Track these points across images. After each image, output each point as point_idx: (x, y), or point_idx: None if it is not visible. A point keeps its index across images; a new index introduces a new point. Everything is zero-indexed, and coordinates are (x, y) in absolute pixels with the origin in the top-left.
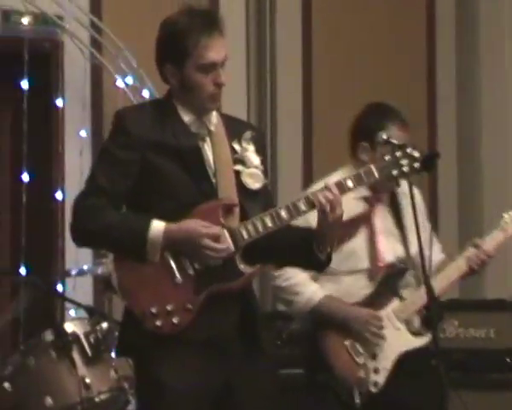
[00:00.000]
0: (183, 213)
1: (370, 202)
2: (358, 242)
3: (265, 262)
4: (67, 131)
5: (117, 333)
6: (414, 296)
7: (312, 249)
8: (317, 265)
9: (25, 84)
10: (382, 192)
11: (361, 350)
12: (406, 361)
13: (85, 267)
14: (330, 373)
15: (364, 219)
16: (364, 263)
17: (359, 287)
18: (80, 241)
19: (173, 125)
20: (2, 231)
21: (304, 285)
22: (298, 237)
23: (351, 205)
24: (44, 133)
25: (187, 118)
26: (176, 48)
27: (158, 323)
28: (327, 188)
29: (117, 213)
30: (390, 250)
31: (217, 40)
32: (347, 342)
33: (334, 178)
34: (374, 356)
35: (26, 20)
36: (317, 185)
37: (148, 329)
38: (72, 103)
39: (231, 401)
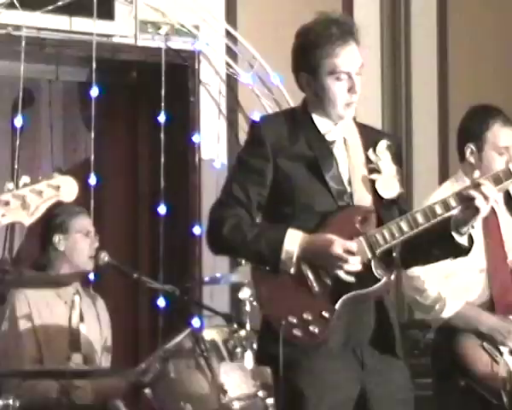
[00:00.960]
0: (319, 222)
1: None
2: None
3: (404, 266)
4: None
5: (254, 341)
6: None
7: (452, 237)
8: (460, 251)
9: (162, 118)
10: None
11: (499, 348)
12: None
13: (221, 275)
14: (472, 377)
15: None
16: (483, 260)
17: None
18: (216, 249)
19: (308, 134)
20: (142, 240)
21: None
22: (433, 231)
23: None
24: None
25: (322, 126)
26: (310, 56)
27: (296, 332)
28: (479, 184)
29: (252, 223)
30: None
31: (351, 48)
32: (485, 343)
33: (442, 190)
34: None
35: (163, 31)
36: (434, 197)
37: (287, 338)
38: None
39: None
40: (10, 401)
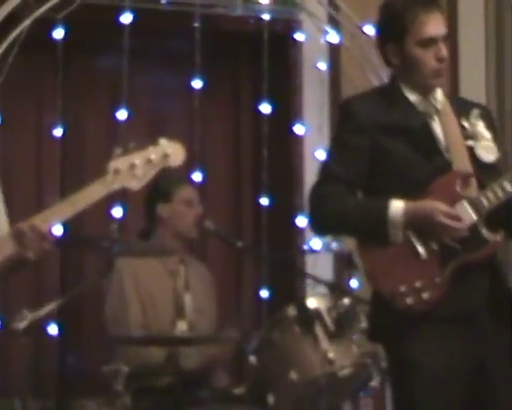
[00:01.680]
0: (419, 191)
1: None
2: None
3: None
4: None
5: (359, 309)
6: None
7: None
8: None
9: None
10: None
11: None
12: None
13: (325, 244)
14: None
15: None
16: None
17: None
18: (321, 229)
19: (400, 106)
20: (245, 207)
21: None
22: None
23: None
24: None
25: (413, 97)
26: (395, 26)
27: (408, 301)
28: None
29: (354, 198)
30: None
31: (434, 15)
32: None
33: None
34: None
35: (265, 1)
36: None
37: (399, 308)
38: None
39: (485, 382)
40: (120, 367)
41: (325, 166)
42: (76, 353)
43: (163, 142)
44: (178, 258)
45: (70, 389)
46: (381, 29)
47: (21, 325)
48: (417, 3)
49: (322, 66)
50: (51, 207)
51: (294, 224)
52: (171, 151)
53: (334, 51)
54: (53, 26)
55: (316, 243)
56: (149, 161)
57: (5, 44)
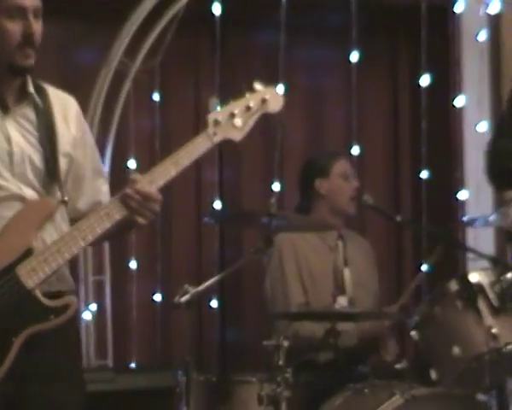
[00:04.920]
0: None
1: None
2: None
3: None
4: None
5: None
6: None
7: None
8: None
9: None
10: None
11: None
12: None
13: (486, 218)
14: None
15: None
16: None
17: None
18: (498, 182)
19: None
20: (403, 182)
21: None
22: None
23: None
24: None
25: None
26: None
27: None
28: None
29: None
30: None
31: None
32: None
33: None
34: None
35: None
36: None
37: None
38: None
39: None
40: (281, 342)
41: (500, 121)
42: (236, 327)
43: (259, 87)
44: (337, 233)
45: (231, 364)
46: None
47: (183, 299)
48: None
49: (482, 37)
50: (155, 168)
51: (455, 197)
52: (269, 96)
53: (494, 22)
54: (210, 2)
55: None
56: (248, 109)
57: (163, 22)
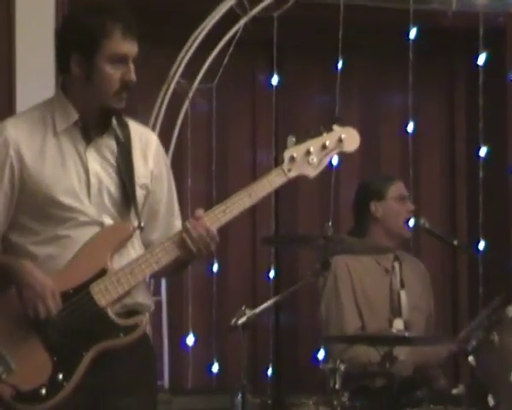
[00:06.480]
0: None
1: None
2: None
3: None
4: None
5: None
6: None
7: None
8: None
9: (480, 60)
10: None
11: None
12: None
13: None
14: None
15: None
16: None
17: None
18: None
19: None
20: (459, 206)
21: None
22: None
23: None
24: (499, 108)
25: None
26: None
27: None
28: None
29: None
30: None
31: None
32: None
33: None
34: None
35: None
36: None
37: None
38: None
39: None
40: (337, 365)
41: None
42: (292, 350)
43: (337, 127)
44: (393, 255)
45: (286, 386)
46: None
47: (240, 321)
48: None
49: None
50: (229, 198)
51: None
52: (346, 136)
53: None
54: (268, 25)
55: None
56: (324, 147)
57: (221, 44)
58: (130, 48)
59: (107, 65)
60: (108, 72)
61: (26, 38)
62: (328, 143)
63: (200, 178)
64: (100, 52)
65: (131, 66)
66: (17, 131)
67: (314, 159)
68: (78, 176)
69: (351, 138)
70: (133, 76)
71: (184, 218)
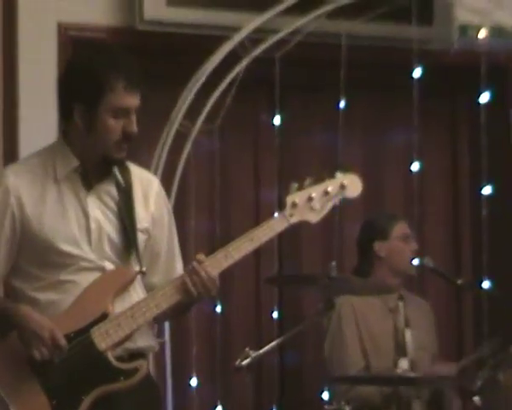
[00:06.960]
0: None
1: None
2: None
3: None
4: None
5: None
6: None
7: None
8: None
9: (483, 98)
10: None
11: None
12: None
13: None
14: None
15: None
16: None
17: None
18: None
19: None
20: (463, 244)
21: None
22: None
23: None
24: (502, 145)
25: None
26: None
27: None
28: None
29: None
30: None
31: None
32: None
33: None
34: None
35: (482, 34)
36: None
37: None
38: None
39: None
40: (341, 406)
41: None
42: (297, 390)
43: (339, 174)
44: (397, 295)
45: None
46: None
47: (244, 362)
48: None
49: None
50: (231, 243)
51: None
52: (348, 182)
53: None
54: (269, 66)
55: None
56: (326, 193)
57: (223, 85)
58: (132, 101)
59: (109, 117)
60: (110, 123)
61: (29, 79)
62: (330, 189)
63: (204, 218)
64: (103, 105)
65: (133, 117)
66: (18, 179)
67: (316, 205)
68: (78, 222)
69: (353, 185)
70: (134, 128)
71: (188, 258)
